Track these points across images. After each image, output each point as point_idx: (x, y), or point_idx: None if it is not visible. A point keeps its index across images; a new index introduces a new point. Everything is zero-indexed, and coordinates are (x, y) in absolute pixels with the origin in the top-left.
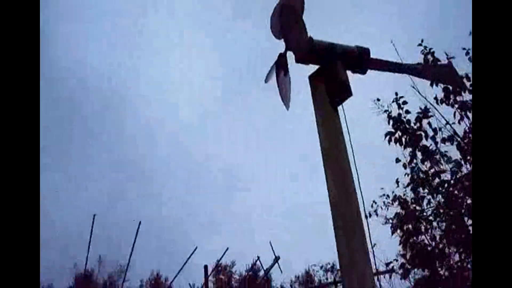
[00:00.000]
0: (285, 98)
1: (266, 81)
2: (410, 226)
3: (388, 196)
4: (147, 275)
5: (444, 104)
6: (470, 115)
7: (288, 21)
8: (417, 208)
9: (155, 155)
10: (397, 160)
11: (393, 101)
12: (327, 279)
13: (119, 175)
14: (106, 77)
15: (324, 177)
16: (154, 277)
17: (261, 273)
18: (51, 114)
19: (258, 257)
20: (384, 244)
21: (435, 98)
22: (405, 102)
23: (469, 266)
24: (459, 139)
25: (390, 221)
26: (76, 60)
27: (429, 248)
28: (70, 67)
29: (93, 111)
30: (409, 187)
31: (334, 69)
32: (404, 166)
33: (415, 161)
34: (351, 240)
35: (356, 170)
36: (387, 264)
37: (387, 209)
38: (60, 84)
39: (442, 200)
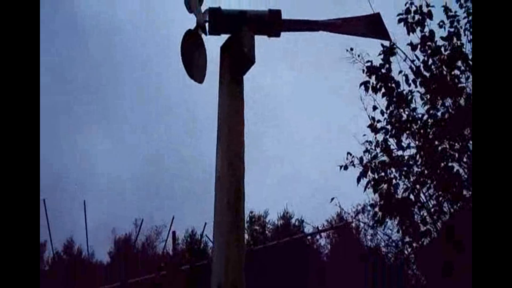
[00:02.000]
0: (198, 71)
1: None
2: (381, 173)
3: (370, 142)
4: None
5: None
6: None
7: None
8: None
9: None
10: (374, 108)
11: (379, 54)
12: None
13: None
14: None
15: (215, 150)
16: (189, 234)
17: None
18: None
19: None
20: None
21: (410, 43)
22: (393, 54)
23: (444, 209)
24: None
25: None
26: None
27: (402, 195)
28: None
29: None
30: (388, 134)
31: (237, 38)
32: (382, 112)
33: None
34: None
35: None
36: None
37: (370, 155)
38: None
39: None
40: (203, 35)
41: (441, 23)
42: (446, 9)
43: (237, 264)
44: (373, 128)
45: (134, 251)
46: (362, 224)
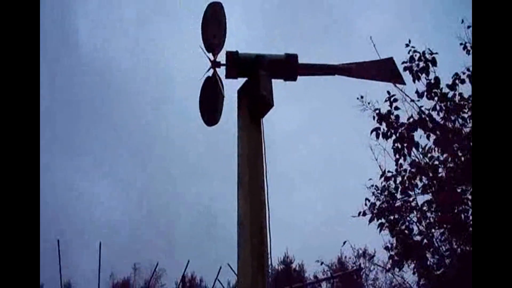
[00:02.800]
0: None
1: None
2: (396, 215)
3: (377, 187)
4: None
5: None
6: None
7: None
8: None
9: None
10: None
11: (385, 101)
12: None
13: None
14: None
15: (236, 191)
16: (189, 278)
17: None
18: None
19: None
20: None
21: (416, 91)
22: (395, 100)
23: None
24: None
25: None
26: None
27: (417, 238)
28: None
29: None
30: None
31: (255, 82)
32: (396, 161)
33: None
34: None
35: (267, 183)
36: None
37: (383, 198)
38: None
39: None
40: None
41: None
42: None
43: None
44: (385, 177)
45: None
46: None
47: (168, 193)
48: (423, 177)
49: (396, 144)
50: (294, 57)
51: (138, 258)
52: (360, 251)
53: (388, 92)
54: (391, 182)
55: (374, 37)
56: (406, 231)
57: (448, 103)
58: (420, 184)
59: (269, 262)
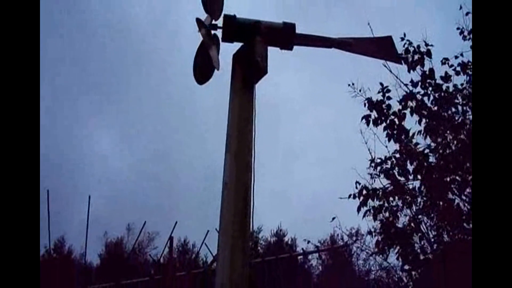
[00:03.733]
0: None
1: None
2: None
3: (375, 167)
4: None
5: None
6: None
7: None
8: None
9: None
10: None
11: (378, 92)
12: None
13: None
14: None
15: (224, 157)
16: (182, 243)
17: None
18: None
19: None
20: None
21: (411, 81)
22: (388, 90)
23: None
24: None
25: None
26: None
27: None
28: None
29: None
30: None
31: (250, 47)
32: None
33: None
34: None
35: (254, 148)
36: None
37: (374, 181)
38: None
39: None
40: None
41: (443, 60)
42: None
43: (241, 271)
44: (375, 163)
45: (125, 256)
46: (355, 248)
47: (174, 155)
48: (414, 162)
49: (386, 131)
50: (291, 26)
51: (133, 218)
52: (353, 231)
53: (381, 84)
54: (380, 167)
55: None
56: (391, 218)
57: (442, 93)
58: (410, 170)
59: (251, 226)
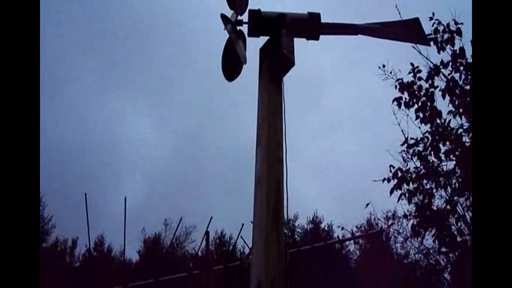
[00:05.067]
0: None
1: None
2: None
3: (407, 151)
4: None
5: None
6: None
7: None
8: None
9: None
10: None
11: (409, 73)
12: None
13: None
14: None
15: (255, 149)
16: (218, 236)
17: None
18: None
19: None
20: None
21: (441, 62)
22: (419, 71)
23: None
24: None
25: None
26: None
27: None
28: None
29: None
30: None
31: (276, 40)
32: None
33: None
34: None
35: (285, 142)
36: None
37: (406, 164)
38: None
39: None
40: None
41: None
42: None
43: (276, 264)
44: (408, 144)
45: (164, 251)
46: (392, 231)
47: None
48: (447, 142)
49: (418, 114)
50: (316, 16)
51: (168, 214)
52: (389, 214)
53: (412, 64)
54: (413, 149)
55: None
56: (426, 201)
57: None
58: (443, 150)
59: (286, 217)
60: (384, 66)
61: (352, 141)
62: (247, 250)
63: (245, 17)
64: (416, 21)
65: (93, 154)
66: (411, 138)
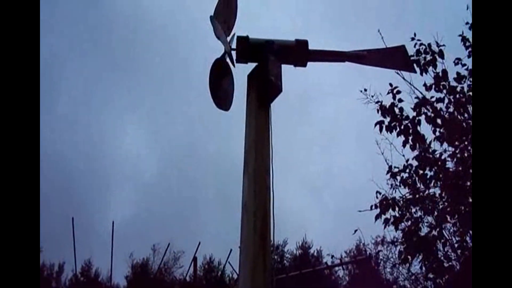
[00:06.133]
0: (225, 99)
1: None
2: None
3: (396, 178)
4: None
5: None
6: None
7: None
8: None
9: None
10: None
11: (388, 93)
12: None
13: None
14: None
15: (242, 177)
16: (207, 261)
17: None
18: None
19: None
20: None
21: (424, 84)
22: (398, 92)
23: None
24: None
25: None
26: None
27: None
28: None
29: None
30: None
31: (264, 66)
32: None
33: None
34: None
35: (272, 169)
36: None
37: (394, 191)
38: None
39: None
40: (231, 65)
41: (456, 61)
42: (464, 39)
43: None
44: (391, 173)
45: (151, 276)
46: (381, 257)
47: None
48: (432, 169)
49: (400, 136)
50: (304, 43)
51: (157, 239)
52: (379, 239)
53: (391, 84)
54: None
55: None
56: (413, 227)
57: (457, 95)
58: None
59: (273, 245)
60: (365, 90)
61: (348, 160)
62: (235, 276)
63: (233, 43)
64: (401, 48)
65: (81, 172)
66: (395, 167)
